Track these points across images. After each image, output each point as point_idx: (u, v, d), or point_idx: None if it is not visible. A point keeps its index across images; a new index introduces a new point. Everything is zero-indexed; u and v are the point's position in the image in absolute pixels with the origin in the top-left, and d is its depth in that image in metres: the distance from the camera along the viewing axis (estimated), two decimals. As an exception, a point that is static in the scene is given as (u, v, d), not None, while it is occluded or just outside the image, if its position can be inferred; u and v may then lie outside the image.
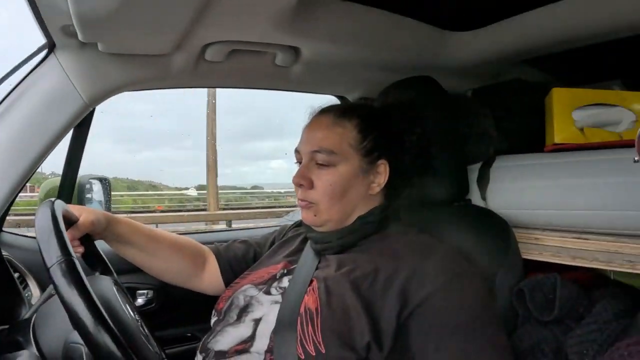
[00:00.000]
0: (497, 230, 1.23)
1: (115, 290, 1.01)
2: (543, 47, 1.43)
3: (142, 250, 1.26)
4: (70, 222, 1.07)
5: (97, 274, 1.16)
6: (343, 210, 1.13)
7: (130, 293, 1.50)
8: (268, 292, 1.11)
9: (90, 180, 1.73)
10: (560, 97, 1.32)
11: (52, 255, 0.81)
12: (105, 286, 1.01)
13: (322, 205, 1.11)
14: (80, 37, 1.10)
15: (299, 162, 1.17)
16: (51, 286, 1.07)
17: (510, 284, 1.15)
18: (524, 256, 1.25)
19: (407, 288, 0.95)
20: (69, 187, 1.55)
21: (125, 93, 1.35)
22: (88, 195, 1.67)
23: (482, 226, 1.23)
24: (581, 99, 1.31)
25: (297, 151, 1.18)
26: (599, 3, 1.17)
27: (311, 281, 1.06)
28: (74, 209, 1.11)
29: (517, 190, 1.29)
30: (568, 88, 1.33)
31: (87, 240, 1.14)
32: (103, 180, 1.89)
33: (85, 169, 1.61)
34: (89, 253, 1.16)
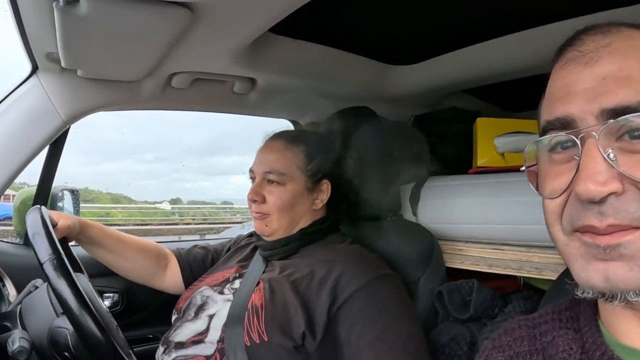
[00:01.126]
0: (423, 241, 1.40)
1: (91, 286, 1.15)
2: (477, 80, 1.59)
3: (111, 252, 1.40)
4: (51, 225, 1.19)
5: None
6: (290, 221, 1.30)
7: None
8: (222, 292, 1.26)
9: (62, 191, 1.84)
10: (483, 126, 1.49)
11: (44, 253, 0.97)
12: (84, 282, 1.15)
13: (273, 216, 1.28)
14: (63, 63, 1.20)
15: (253, 179, 1.33)
16: (31, 283, 1.21)
17: (432, 287, 1.33)
18: (448, 264, 1.42)
19: (337, 287, 1.12)
20: (44, 197, 1.65)
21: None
22: (60, 204, 1.77)
23: (410, 238, 1.41)
24: (503, 127, 1.48)
25: (251, 170, 1.34)
26: (531, 40, 1.32)
27: (258, 282, 1.22)
28: (53, 214, 1.23)
29: (445, 207, 1.45)
30: (491, 118, 1.50)
31: (63, 242, 1.24)
32: (73, 192, 2.00)
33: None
34: (65, 254, 1.27)
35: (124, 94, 1.42)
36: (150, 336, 1.77)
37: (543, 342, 0.64)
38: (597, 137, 0.47)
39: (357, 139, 1.41)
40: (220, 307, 1.21)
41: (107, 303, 1.65)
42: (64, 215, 1.26)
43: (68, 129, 1.51)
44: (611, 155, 0.47)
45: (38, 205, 1.13)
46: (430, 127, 1.70)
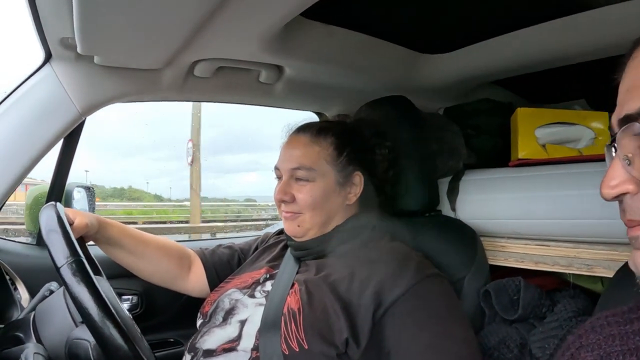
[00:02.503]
0: (465, 238, 1.32)
1: (113, 292, 1.06)
2: (510, 70, 1.53)
3: (131, 253, 1.31)
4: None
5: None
6: (323, 219, 1.22)
7: None
8: (252, 296, 1.17)
9: (77, 188, 1.77)
10: (524, 116, 1.42)
11: (61, 256, 0.86)
12: (104, 286, 1.05)
13: (306, 215, 1.20)
14: (79, 49, 1.12)
15: (279, 178, 1.25)
16: (45, 287, 1.12)
17: (477, 286, 1.24)
18: (491, 262, 1.34)
19: (381, 289, 1.03)
20: (58, 194, 1.58)
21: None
22: (74, 202, 1.70)
23: (451, 235, 1.32)
24: (544, 117, 1.41)
25: (277, 168, 1.26)
26: (563, 30, 1.27)
27: (293, 284, 1.13)
28: (69, 212, 1.14)
29: (484, 201, 1.38)
30: (532, 108, 1.43)
31: (80, 242, 1.14)
32: (89, 189, 1.93)
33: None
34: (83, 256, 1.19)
35: (142, 83, 1.35)
36: (172, 340, 1.70)
37: (637, 341, 0.57)
38: (617, 143, 0.53)
39: (393, 129, 1.33)
40: (252, 311, 1.13)
41: (125, 305, 1.59)
42: (80, 213, 1.18)
43: (84, 122, 1.44)
44: (627, 160, 0.51)
45: (53, 202, 1.02)
46: (463, 119, 1.63)
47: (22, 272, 1.32)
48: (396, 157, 1.30)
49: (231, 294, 1.22)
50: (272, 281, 1.20)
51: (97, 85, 1.30)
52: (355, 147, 1.25)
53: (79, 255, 0.87)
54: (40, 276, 1.24)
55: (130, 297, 1.60)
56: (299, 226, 1.22)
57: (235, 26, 1.07)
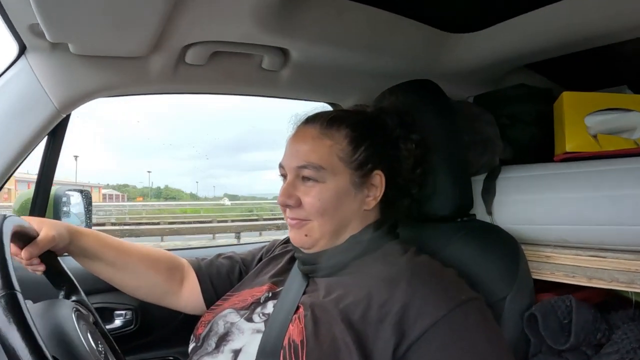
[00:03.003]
0: (506, 248, 1.11)
1: (74, 318, 0.89)
2: (547, 50, 1.38)
3: (111, 265, 1.16)
4: (28, 238, 0.96)
5: (61, 295, 1.06)
6: (335, 227, 1.02)
7: (107, 314, 1.42)
8: (250, 319, 1.00)
9: (67, 192, 1.62)
10: (571, 102, 1.23)
11: None
12: (62, 314, 0.89)
13: (314, 222, 1.01)
14: (47, 36, 1.03)
15: (283, 176, 1.06)
16: None
17: (521, 308, 1.04)
18: (534, 276, 1.14)
19: (405, 319, 0.84)
20: (43, 198, 1.44)
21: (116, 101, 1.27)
22: (65, 209, 1.55)
23: (489, 244, 1.12)
24: (594, 103, 1.23)
25: (281, 166, 1.07)
26: (606, 3, 1.12)
27: (297, 308, 0.96)
28: (34, 222, 1.01)
29: (526, 203, 1.19)
30: (580, 92, 1.25)
31: (49, 256, 1.04)
32: (82, 192, 1.78)
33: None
34: (53, 271, 1.05)
35: (127, 74, 1.24)
36: (171, 358, 1.56)
37: None
38: None
39: (419, 118, 1.13)
40: (247, 339, 0.95)
41: (118, 322, 1.44)
42: (48, 224, 1.03)
43: (67, 118, 1.33)
44: None
45: (4, 214, 0.85)
46: (496, 107, 1.44)
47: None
48: (424, 152, 1.10)
49: (227, 315, 1.05)
50: (275, 301, 1.03)
51: (75, 78, 1.19)
52: (376, 140, 1.04)
53: (13, 289, 0.69)
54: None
55: (123, 312, 1.45)
56: (306, 235, 1.02)
57: (228, 1, 0.96)
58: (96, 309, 1.36)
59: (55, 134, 1.37)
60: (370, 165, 1.02)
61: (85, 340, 0.85)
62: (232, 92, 1.49)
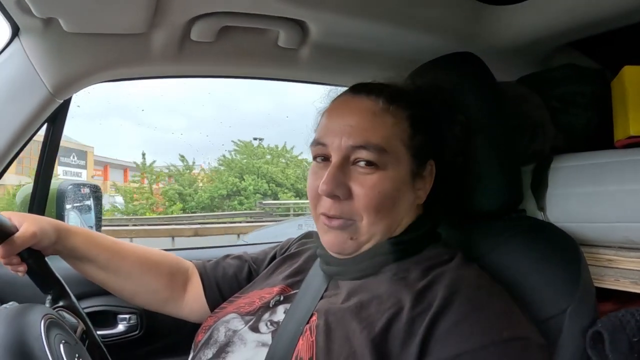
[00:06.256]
0: (564, 251, 0.94)
1: (43, 326, 0.77)
2: (595, 23, 1.23)
3: (104, 268, 1.05)
4: (5, 234, 0.87)
5: (48, 300, 0.97)
6: (387, 227, 0.86)
7: (109, 318, 1.33)
8: (255, 329, 0.87)
9: (74, 185, 1.51)
10: (635, 78, 1.06)
11: None
12: (29, 321, 0.77)
13: (364, 222, 0.84)
14: (34, 11, 0.96)
15: (321, 157, 0.88)
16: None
17: (582, 324, 0.86)
18: (596, 284, 0.96)
19: (430, 337, 0.70)
20: (42, 193, 1.34)
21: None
22: (68, 205, 1.45)
23: (544, 246, 0.95)
24: None
25: (320, 143, 0.88)
26: None
27: (311, 316, 0.82)
28: (15, 217, 0.92)
29: (583, 197, 1.02)
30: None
31: (35, 256, 0.95)
32: (92, 187, 1.68)
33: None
34: (37, 272, 0.96)
35: (126, 53, 1.16)
36: (179, 365, 1.46)
37: None
38: None
39: (460, 97, 0.98)
40: (250, 354, 0.82)
41: (121, 327, 1.34)
42: (30, 219, 0.93)
43: (67, 105, 1.26)
44: None
45: None
46: (544, 90, 1.28)
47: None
48: (468, 138, 0.94)
49: (229, 321, 0.92)
50: (287, 306, 0.89)
51: (70, 59, 1.13)
52: (433, 124, 0.90)
53: None
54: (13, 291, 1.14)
55: (127, 316, 1.34)
56: (351, 239, 0.85)
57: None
58: (96, 312, 1.29)
59: (55, 122, 1.29)
60: (426, 153, 0.88)
61: (54, 352, 0.73)
62: (244, 74, 1.38)
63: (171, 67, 1.24)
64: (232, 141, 18.39)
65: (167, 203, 17.01)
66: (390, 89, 0.89)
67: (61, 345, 0.77)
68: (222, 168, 18.33)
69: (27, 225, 0.90)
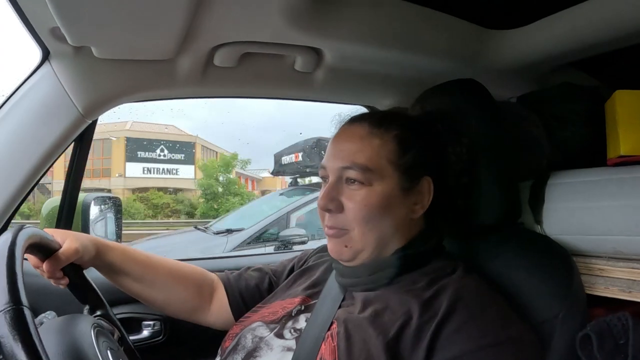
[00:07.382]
0: (558, 261, 1.03)
1: (93, 334, 0.85)
2: (593, 46, 1.29)
3: (138, 281, 1.12)
4: (50, 250, 0.93)
5: (86, 310, 1.04)
6: (379, 238, 0.94)
7: (134, 324, 1.40)
8: (280, 335, 0.95)
9: (97, 199, 1.59)
10: (625, 101, 1.14)
11: None
12: (80, 330, 0.84)
13: (356, 231, 0.93)
14: (69, 40, 1.01)
15: (324, 179, 0.98)
16: (39, 317, 0.96)
17: (573, 327, 0.95)
18: (587, 291, 1.04)
19: (436, 339, 0.79)
20: (70, 207, 1.41)
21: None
22: (92, 217, 1.52)
23: (539, 257, 1.04)
24: None
25: (322, 167, 0.99)
26: None
27: (332, 324, 0.89)
28: (58, 234, 0.97)
29: (577, 211, 1.09)
30: (634, 90, 1.15)
31: (74, 270, 1.01)
32: (111, 199, 1.76)
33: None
34: (78, 285, 1.02)
35: (153, 77, 1.21)
36: (202, 372, 1.52)
37: None
38: None
39: (464, 121, 1.05)
40: (277, 357, 0.89)
41: (145, 333, 1.42)
42: (71, 236, 0.99)
43: (94, 124, 1.30)
44: None
45: (21, 224, 0.82)
46: (541, 108, 1.34)
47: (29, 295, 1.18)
48: (474, 158, 1.02)
49: (255, 328, 0.99)
50: (308, 315, 0.96)
51: (99, 83, 1.18)
52: (426, 144, 0.98)
53: (20, 304, 0.64)
54: (45, 300, 1.17)
55: (152, 322, 1.42)
56: (346, 246, 0.94)
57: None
58: (123, 319, 1.35)
59: (82, 140, 1.34)
60: (419, 170, 0.95)
61: (105, 358, 0.81)
62: (263, 95, 1.44)
63: (195, 90, 1.29)
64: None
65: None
66: (377, 115, 1.00)
67: (108, 352, 0.85)
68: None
69: (69, 241, 0.96)
